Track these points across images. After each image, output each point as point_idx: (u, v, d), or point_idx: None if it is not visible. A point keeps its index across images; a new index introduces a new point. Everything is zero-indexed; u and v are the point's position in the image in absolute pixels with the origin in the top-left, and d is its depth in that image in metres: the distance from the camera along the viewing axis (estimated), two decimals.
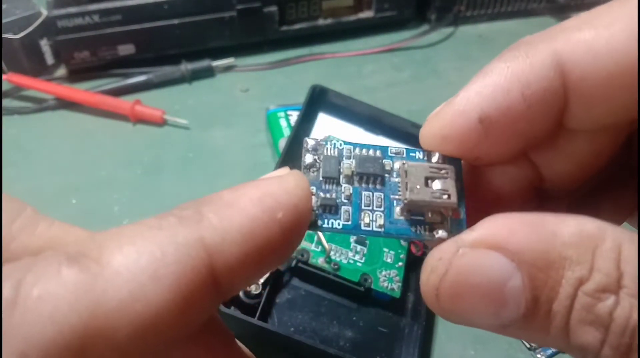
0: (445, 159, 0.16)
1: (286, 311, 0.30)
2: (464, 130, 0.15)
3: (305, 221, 0.14)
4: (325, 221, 0.15)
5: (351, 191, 0.15)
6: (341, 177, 0.15)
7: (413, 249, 0.33)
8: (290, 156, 0.36)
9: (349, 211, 0.15)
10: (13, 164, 0.42)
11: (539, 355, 0.31)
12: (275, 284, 0.30)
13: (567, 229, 0.13)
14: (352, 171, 0.15)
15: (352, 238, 0.32)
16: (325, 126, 0.40)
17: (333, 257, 0.30)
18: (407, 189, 0.15)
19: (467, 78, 0.16)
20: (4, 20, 0.46)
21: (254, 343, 0.31)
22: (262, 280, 0.29)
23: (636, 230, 0.19)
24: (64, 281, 0.11)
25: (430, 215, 0.15)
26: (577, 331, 0.13)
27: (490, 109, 0.15)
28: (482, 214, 0.14)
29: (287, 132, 0.42)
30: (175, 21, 0.49)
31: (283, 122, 0.42)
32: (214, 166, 0.43)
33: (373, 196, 0.15)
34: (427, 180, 0.15)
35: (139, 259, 0.11)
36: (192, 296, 0.12)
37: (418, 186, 0.15)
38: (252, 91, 0.50)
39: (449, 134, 0.15)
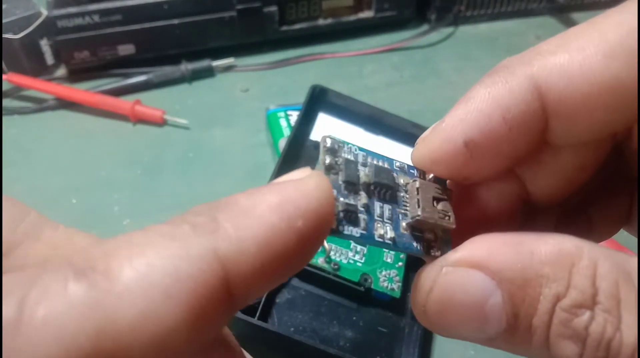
0: (437, 179, 0.17)
1: (286, 311, 0.30)
2: (451, 154, 0.16)
3: (326, 228, 0.13)
4: (347, 228, 0.14)
5: (367, 200, 0.15)
6: (360, 184, 0.15)
7: None
8: (290, 156, 0.36)
9: (365, 220, 0.15)
10: (13, 164, 0.42)
11: None
12: None
13: (545, 248, 0.14)
14: (369, 180, 0.15)
15: None
16: (326, 126, 0.40)
17: (333, 257, 0.30)
18: (419, 206, 0.15)
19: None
20: (4, 20, 0.46)
21: (254, 343, 0.31)
22: None
23: (636, 238, 0.19)
24: (70, 298, 0.10)
25: (427, 234, 0.16)
26: (557, 345, 0.13)
27: (474, 133, 0.16)
28: (470, 231, 0.15)
29: (287, 132, 0.41)
30: (175, 21, 0.49)
31: (283, 123, 0.42)
32: (214, 166, 0.43)
33: (384, 207, 0.15)
34: (434, 200, 0.16)
35: (150, 274, 0.11)
36: (205, 312, 0.11)
37: (428, 205, 0.15)
38: (252, 91, 0.50)
39: (437, 158, 0.16)
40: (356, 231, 0.14)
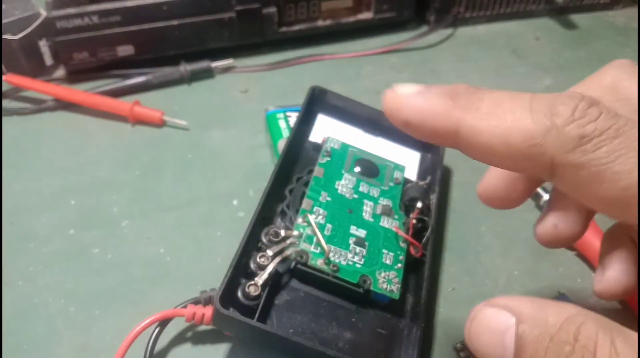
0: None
1: (285, 312, 0.30)
2: None
3: None
4: None
5: None
6: None
7: (412, 251, 0.33)
8: (290, 158, 0.36)
9: None
10: (12, 165, 0.42)
11: None
12: (274, 285, 0.30)
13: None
14: None
15: (351, 240, 0.32)
16: (325, 127, 0.40)
17: (332, 258, 0.30)
18: None
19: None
20: (3, 21, 0.46)
21: (253, 345, 0.31)
22: (261, 282, 0.29)
23: None
24: None
25: None
26: None
27: None
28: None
29: (286, 133, 0.42)
30: (175, 22, 0.49)
31: (282, 124, 0.42)
32: (213, 167, 0.43)
33: None
34: None
35: None
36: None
37: None
38: (251, 92, 0.50)
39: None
40: None
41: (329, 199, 0.33)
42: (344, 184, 0.35)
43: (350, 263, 0.31)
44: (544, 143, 0.16)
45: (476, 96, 0.18)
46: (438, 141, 0.19)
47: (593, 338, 0.16)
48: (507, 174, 0.23)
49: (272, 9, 0.51)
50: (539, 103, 0.17)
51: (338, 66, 0.54)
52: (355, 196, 0.34)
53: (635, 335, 0.16)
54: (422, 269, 0.33)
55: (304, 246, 0.30)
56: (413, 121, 0.19)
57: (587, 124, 0.16)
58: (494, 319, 0.18)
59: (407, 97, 0.19)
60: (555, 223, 0.23)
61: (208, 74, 0.51)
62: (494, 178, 0.24)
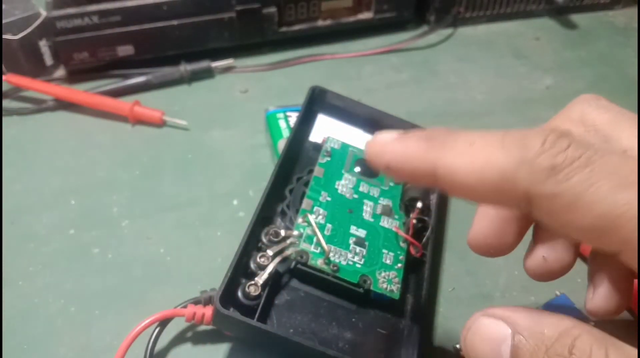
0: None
1: (285, 312, 0.30)
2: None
3: None
4: None
5: None
6: None
7: (412, 251, 0.33)
8: (290, 158, 0.36)
9: None
10: (12, 165, 0.42)
11: None
12: (275, 285, 0.30)
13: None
14: None
15: (352, 240, 0.32)
16: (325, 127, 0.40)
17: (332, 258, 0.30)
18: None
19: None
20: (3, 21, 0.46)
21: (253, 345, 0.31)
22: (261, 281, 0.29)
23: None
24: None
25: None
26: None
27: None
28: None
29: (286, 133, 0.41)
30: (175, 22, 0.49)
31: (282, 124, 0.42)
32: (213, 167, 0.43)
33: None
34: None
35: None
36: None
37: None
38: (251, 92, 0.50)
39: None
40: None
41: (329, 199, 0.33)
42: (344, 184, 0.35)
43: (351, 263, 0.31)
44: (516, 176, 0.16)
45: (451, 137, 0.18)
46: (418, 182, 0.20)
47: (587, 352, 0.16)
48: (495, 221, 0.23)
49: (272, 9, 0.51)
50: (510, 139, 0.17)
51: (338, 66, 0.54)
52: (356, 196, 0.34)
53: (630, 348, 0.16)
54: (422, 269, 0.33)
55: (304, 246, 0.30)
56: (393, 165, 0.19)
57: (557, 154, 0.16)
58: (491, 329, 0.18)
59: (387, 143, 0.20)
60: (544, 255, 0.23)
61: (208, 74, 0.51)
62: (483, 226, 0.23)
